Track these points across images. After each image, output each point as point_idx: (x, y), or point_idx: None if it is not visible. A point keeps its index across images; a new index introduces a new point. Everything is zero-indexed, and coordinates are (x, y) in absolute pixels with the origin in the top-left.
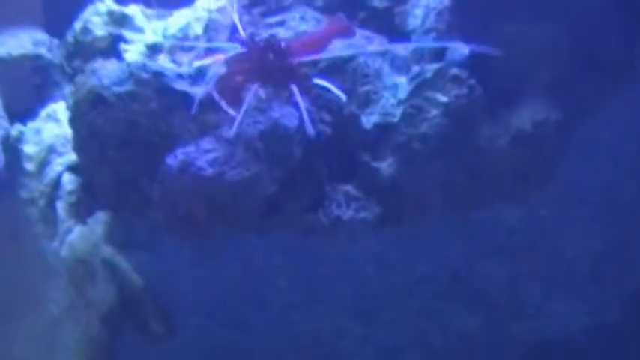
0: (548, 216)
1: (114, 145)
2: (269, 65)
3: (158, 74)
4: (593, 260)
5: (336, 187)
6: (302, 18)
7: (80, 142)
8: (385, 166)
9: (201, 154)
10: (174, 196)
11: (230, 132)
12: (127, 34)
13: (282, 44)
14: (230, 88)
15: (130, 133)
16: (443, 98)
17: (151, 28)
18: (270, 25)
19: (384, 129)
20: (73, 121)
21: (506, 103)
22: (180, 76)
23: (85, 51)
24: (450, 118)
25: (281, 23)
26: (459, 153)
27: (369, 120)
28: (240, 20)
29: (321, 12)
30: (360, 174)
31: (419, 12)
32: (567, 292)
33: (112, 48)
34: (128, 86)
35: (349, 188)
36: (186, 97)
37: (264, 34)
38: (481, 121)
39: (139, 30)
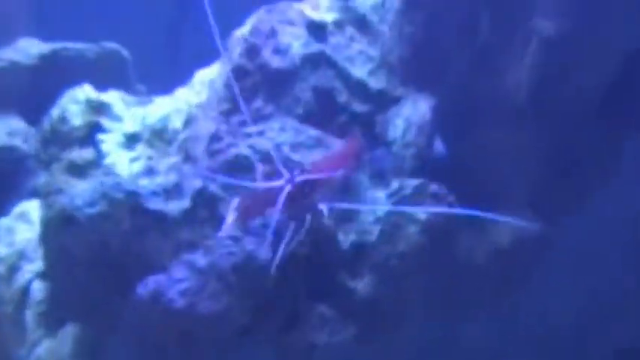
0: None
1: (84, 265)
2: (295, 198)
3: (132, 194)
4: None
5: (311, 306)
6: (281, 129)
7: (50, 261)
8: (362, 285)
9: (173, 283)
10: (145, 325)
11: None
12: (105, 122)
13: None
14: (251, 211)
15: (101, 254)
16: (422, 215)
17: (130, 117)
18: (249, 135)
19: (361, 247)
20: (44, 240)
21: (487, 210)
22: (154, 193)
23: (61, 139)
24: (429, 235)
25: (260, 133)
26: (437, 269)
27: (346, 238)
28: (219, 130)
29: (302, 120)
30: (336, 293)
31: (400, 122)
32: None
33: (90, 136)
34: (100, 207)
35: (324, 308)
36: (160, 216)
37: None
38: (460, 234)
39: (118, 118)
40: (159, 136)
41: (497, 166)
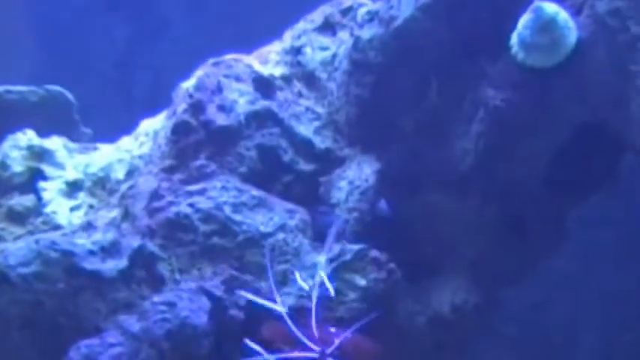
0: None
1: (17, 325)
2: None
3: (67, 253)
4: None
5: None
6: (223, 187)
7: None
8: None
9: (105, 348)
10: None
11: None
12: (46, 169)
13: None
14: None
15: (34, 314)
16: (361, 282)
17: (72, 164)
18: (191, 194)
19: (299, 312)
20: None
21: (429, 275)
22: (91, 252)
23: (1, 185)
24: (368, 302)
25: (201, 192)
26: (376, 335)
27: (284, 302)
28: (160, 187)
29: (245, 178)
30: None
31: (343, 185)
32: None
33: (31, 183)
34: (35, 267)
35: None
36: (96, 276)
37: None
38: (402, 297)
39: (60, 165)
40: (101, 185)
41: (440, 232)
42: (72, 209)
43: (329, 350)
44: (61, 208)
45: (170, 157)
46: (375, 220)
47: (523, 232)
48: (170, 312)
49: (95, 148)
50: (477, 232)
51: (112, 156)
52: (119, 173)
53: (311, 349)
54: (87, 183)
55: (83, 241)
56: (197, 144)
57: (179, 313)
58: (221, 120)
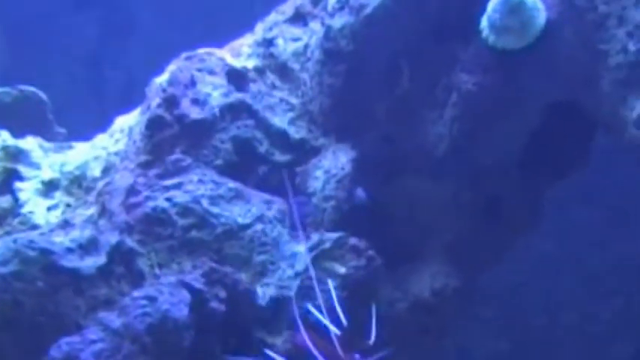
0: None
1: None
2: None
3: (45, 251)
4: None
5: None
6: (200, 181)
7: None
8: (281, 341)
9: (87, 345)
10: None
11: None
12: (22, 169)
13: None
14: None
15: (14, 314)
16: (341, 269)
17: (47, 164)
18: (167, 188)
19: (280, 302)
20: None
21: (409, 260)
22: (69, 250)
23: None
24: (348, 290)
25: (178, 186)
26: (357, 322)
27: (264, 293)
28: (136, 182)
29: (222, 171)
30: (254, 350)
31: (319, 174)
32: None
33: (7, 184)
34: (12, 266)
35: None
36: (75, 273)
37: None
38: (382, 284)
39: (35, 165)
40: (77, 183)
41: (417, 217)
42: (49, 209)
43: None
44: (38, 208)
45: (145, 153)
46: (353, 209)
47: (499, 214)
48: (151, 306)
49: (70, 147)
50: (454, 216)
51: (87, 154)
52: (95, 171)
53: None
54: (63, 182)
55: (61, 239)
56: (172, 138)
57: (160, 307)
58: (195, 114)
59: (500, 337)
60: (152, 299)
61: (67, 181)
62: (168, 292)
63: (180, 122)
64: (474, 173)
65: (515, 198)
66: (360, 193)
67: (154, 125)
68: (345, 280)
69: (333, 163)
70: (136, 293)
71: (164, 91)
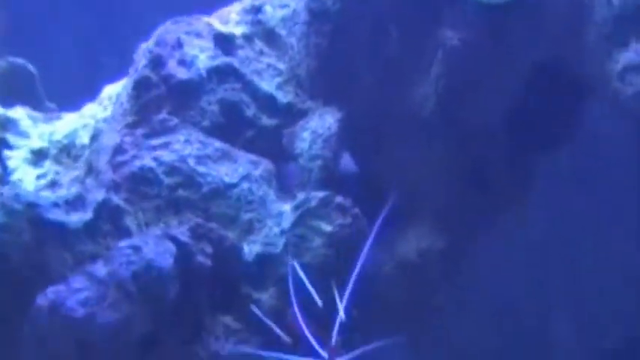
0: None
1: None
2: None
3: (31, 205)
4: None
5: (216, 318)
6: (186, 141)
7: None
8: (267, 297)
9: (72, 293)
10: (45, 336)
11: None
12: (11, 138)
13: None
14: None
15: (1, 267)
16: (327, 227)
17: (36, 133)
18: (154, 147)
19: (266, 259)
20: None
21: (395, 226)
22: (56, 204)
23: None
24: (334, 247)
25: (165, 146)
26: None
27: (251, 250)
28: (123, 141)
29: (208, 132)
30: (241, 305)
31: (306, 135)
32: None
33: None
34: None
35: (229, 320)
36: (61, 228)
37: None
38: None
39: (24, 134)
40: (66, 152)
41: (405, 180)
42: (38, 177)
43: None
44: (27, 176)
45: (132, 114)
46: (341, 175)
47: (487, 181)
48: (135, 255)
49: (59, 117)
50: (441, 181)
51: (76, 123)
52: (84, 139)
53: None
54: (52, 151)
55: (47, 195)
56: (158, 99)
57: (145, 255)
58: (182, 74)
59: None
60: (137, 249)
61: (56, 150)
62: (153, 242)
63: (166, 83)
64: (461, 136)
65: (503, 165)
66: (346, 161)
67: (140, 86)
68: (331, 238)
69: (320, 124)
70: (121, 243)
71: (150, 52)
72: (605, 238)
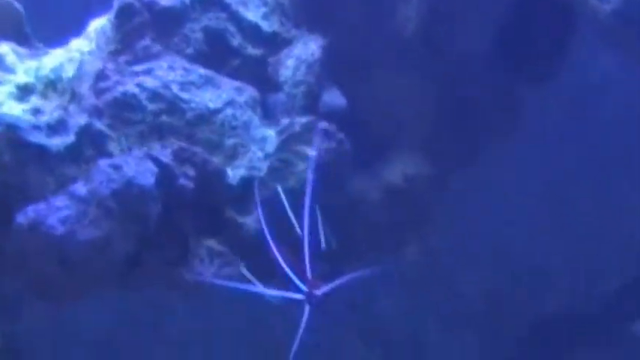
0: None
1: None
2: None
3: (11, 126)
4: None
5: (200, 241)
6: (170, 67)
7: None
8: (251, 220)
9: (53, 211)
10: (25, 254)
11: None
12: None
13: None
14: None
15: None
16: (311, 152)
17: (22, 69)
18: (137, 74)
19: (250, 183)
20: None
21: (381, 155)
22: (36, 127)
23: None
24: (318, 171)
25: (148, 72)
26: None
27: (235, 174)
28: (106, 68)
29: (192, 60)
30: (225, 228)
31: (291, 63)
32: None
33: None
34: None
35: (213, 243)
36: (42, 150)
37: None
38: (353, 174)
39: (10, 70)
40: (52, 87)
41: (390, 108)
42: (24, 112)
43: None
44: (13, 111)
45: (115, 42)
46: (328, 108)
47: (473, 110)
48: (116, 173)
49: (46, 53)
50: (426, 110)
51: (62, 57)
52: (70, 72)
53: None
54: (39, 86)
55: (29, 117)
56: (142, 26)
57: (125, 173)
58: (165, 1)
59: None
60: (117, 167)
61: (42, 85)
62: (134, 162)
63: (150, 10)
64: (445, 64)
65: (490, 95)
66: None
67: (123, 14)
68: (316, 162)
69: (304, 51)
70: (101, 162)
71: None
72: (600, 175)
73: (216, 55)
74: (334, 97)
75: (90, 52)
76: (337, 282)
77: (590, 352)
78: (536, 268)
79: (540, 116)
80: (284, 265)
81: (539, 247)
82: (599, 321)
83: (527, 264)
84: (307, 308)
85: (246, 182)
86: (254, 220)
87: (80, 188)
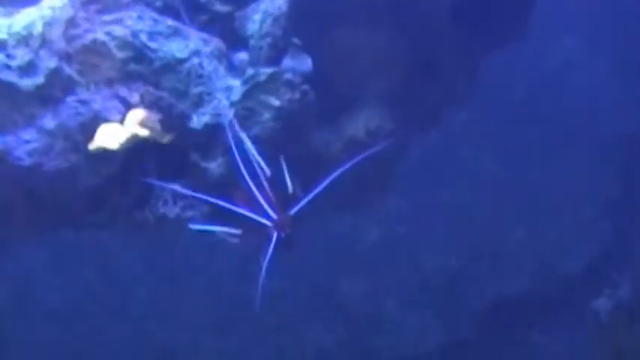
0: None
1: None
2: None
3: None
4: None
5: (164, 184)
6: (139, 17)
7: None
8: (214, 166)
9: (21, 144)
10: None
11: None
12: None
13: None
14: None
15: None
16: (275, 102)
17: None
18: (107, 23)
19: (214, 129)
20: None
21: (344, 110)
22: (7, 67)
23: None
24: (282, 121)
25: (118, 21)
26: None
27: (200, 120)
28: (76, 16)
29: (160, 12)
30: (189, 173)
31: (257, 17)
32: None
33: None
34: None
35: (177, 186)
36: (12, 88)
37: None
38: (316, 127)
39: None
40: (25, 42)
41: (353, 68)
42: None
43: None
44: None
45: None
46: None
47: (434, 70)
48: (83, 107)
49: (18, 11)
50: (390, 66)
51: (34, 15)
52: (40, 27)
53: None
54: (11, 42)
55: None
56: None
57: (92, 107)
58: None
59: (451, 253)
60: (85, 102)
61: (14, 41)
62: (101, 99)
63: None
64: (409, 23)
65: (450, 56)
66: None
67: None
68: (279, 112)
69: (271, 5)
70: (69, 98)
71: None
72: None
73: (184, 9)
74: (300, 62)
75: (61, 8)
76: (303, 201)
77: (549, 329)
78: (498, 244)
79: (501, 86)
80: (257, 197)
81: (500, 223)
82: (559, 299)
83: (488, 239)
84: (275, 235)
85: (211, 128)
86: (217, 165)
87: (48, 122)
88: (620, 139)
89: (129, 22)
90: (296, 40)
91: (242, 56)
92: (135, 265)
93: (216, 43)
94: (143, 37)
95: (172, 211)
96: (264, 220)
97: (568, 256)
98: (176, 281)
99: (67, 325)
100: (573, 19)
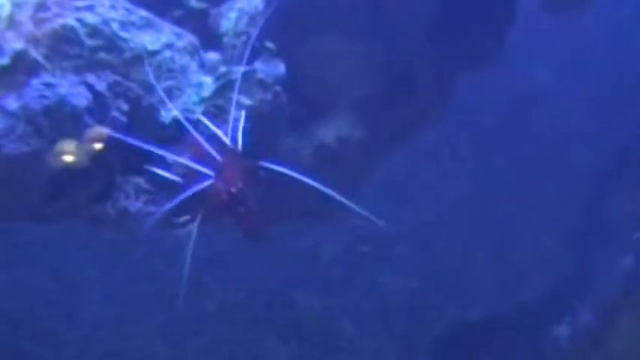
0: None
1: None
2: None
3: None
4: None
5: (127, 178)
6: (112, 6)
7: None
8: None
9: None
10: None
11: None
12: None
13: None
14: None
15: None
16: (247, 101)
17: None
18: (78, 9)
19: (182, 124)
20: None
21: (316, 117)
22: None
23: None
24: (253, 121)
25: (89, 8)
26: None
27: (168, 114)
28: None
29: (135, 3)
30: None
31: (233, 15)
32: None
33: None
34: None
35: (141, 181)
36: None
37: None
38: (287, 132)
39: None
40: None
41: (328, 75)
42: None
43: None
44: None
45: None
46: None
47: (408, 85)
48: (49, 90)
49: None
50: (365, 76)
51: None
52: (9, 8)
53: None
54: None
55: None
56: None
57: (58, 91)
58: None
59: (411, 275)
60: (51, 85)
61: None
62: (68, 83)
63: None
64: (386, 35)
65: (425, 71)
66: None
67: None
68: (250, 111)
69: (247, 3)
70: (34, 80)
71: None
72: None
73: (158, 3)
74: (273, 67)
75: None
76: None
77: (509, 355)
78: (459, 268)
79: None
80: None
81: (462, 248)
82: (520, 325)
83: (449, 264)
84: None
85: (179, 123)
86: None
87: (11, 103)
88: (586, 170)
89: (101, 10)
90: (270, 45)
91: (212, 56)
92: (89, 267)
93: (189, 38)
94: (114, 26)
95: (134, 205)
96: (208, 171)
97: (529, 282)
98: (131, 287)
99: (14, 325)
100: (547, 49)
